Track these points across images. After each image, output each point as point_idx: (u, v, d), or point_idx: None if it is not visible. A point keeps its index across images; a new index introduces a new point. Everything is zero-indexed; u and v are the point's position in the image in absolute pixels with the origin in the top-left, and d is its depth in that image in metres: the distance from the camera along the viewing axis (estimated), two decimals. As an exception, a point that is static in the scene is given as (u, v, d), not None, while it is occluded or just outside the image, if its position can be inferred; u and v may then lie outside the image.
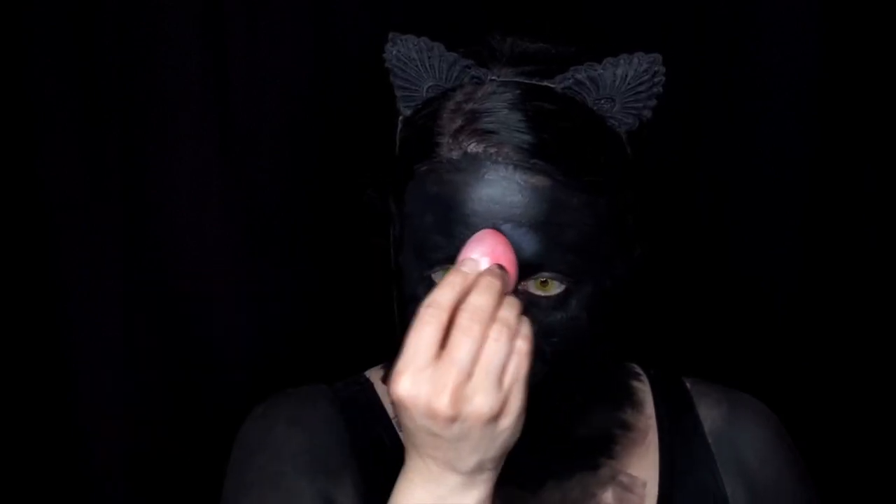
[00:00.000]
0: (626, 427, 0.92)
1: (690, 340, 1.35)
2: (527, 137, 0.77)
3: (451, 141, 0.79)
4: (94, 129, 1.26)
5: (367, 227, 0.88)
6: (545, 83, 0.79)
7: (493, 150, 0.77)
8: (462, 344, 0.68)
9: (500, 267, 0.74)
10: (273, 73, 1.29)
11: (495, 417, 0.69)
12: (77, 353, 1.29)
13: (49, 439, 1.29)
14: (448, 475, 0.71)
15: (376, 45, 0.85)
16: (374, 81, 0.90)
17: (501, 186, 0.77)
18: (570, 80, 0.79)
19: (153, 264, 1.30)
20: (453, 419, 0.68)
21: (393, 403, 0.70)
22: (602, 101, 0.80)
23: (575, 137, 0.79)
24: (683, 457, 0.93)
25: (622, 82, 0.79)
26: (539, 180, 0.77)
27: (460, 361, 0.68)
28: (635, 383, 0.96)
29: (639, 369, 0.98)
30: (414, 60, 0.82)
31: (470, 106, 0.79)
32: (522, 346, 0.70)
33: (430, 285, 0.79)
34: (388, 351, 0.82)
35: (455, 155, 0.78)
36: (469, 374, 0.68)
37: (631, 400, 0.94)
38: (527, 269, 0.77)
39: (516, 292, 0.77)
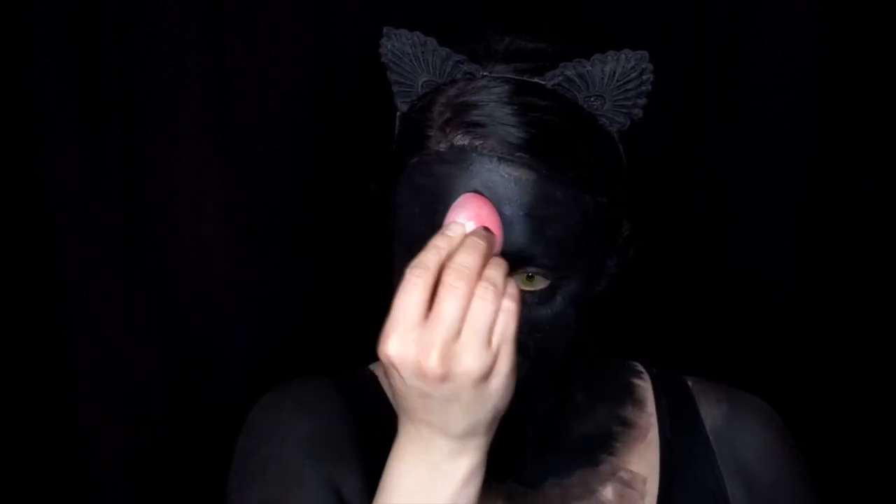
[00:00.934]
0: (627, 424, 0.92)
1: (690, 340, 1.35)
2: (513, 130, 0.77)
3: (439, 133, 0.79)
4: (94, 129, 1.26)
5: (370, 221, 0.88)
6: (536, 80, 0.80)
7: (479, 143, 0.77)
8: (448, 302, 0.68)
9: (486, 229, 0.74)
10: (273, 73, 1.29)
11: (484, 377, 0.69)
12: (77, 353, 1.28)
13: (49, 439, 1.28)
14: (440, 440, 0.71)
15: (376, 45, 0.85)
16: (373, 81, 0.91)
17: (486, 179, 0.77)
18: (560, 77, 0.79)
19: (153, 264, 1.30)
20: (443, 378, 0.68)
21: (383, 366, 0.70)
22: (592, 99, 0.80)
23: (562, 133, 0.79)
24: (684, 454, 0.93)
25: (611, 79, 0.79)
26: (523, 173, 0.77)
27: (447, 319, 0.68)
28: (636, 381, 0.96)
29: (640, 367, 0.98)
30: (408, 55, 0.82)
31: (460, 100, 0.79)
32: (509, 305, 0.70)
33: None
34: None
35: (443, 147, 0.79)
36: (457, 332, 0.68)
37: (632, 397, 0.94)
38: (511, 262, 0.76)
39: None
